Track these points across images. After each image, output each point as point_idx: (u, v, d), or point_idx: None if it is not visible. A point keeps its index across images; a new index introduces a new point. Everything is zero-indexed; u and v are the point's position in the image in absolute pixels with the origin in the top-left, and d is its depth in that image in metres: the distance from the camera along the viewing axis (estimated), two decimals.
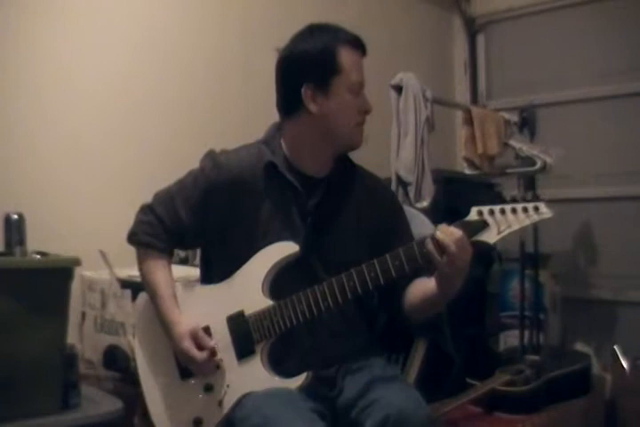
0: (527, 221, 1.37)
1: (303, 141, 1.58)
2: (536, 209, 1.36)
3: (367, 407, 1.43)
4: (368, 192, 1.64)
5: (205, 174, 1.59)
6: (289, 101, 1.56)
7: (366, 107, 1.57)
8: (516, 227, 1.37)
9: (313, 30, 1.56)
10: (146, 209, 1.63)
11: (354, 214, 1.60)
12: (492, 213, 1.38)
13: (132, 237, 1.64)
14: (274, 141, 1.61)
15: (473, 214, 1.40)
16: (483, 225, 1.38)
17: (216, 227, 1.59)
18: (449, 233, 1.37)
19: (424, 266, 1.44)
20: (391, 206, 1.68)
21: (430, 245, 1.38)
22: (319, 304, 1.46)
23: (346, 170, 1.63)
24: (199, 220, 1.59)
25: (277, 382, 1.47)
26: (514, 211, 1.36)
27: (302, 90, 1.51)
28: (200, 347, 1.51)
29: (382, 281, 1.43)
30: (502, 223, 1.37)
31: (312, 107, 1.52)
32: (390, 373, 1.58)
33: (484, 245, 1.38)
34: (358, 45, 1.54)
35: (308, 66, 1.52)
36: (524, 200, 1.39)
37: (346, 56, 1.51)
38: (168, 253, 1.65)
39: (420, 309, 1.56)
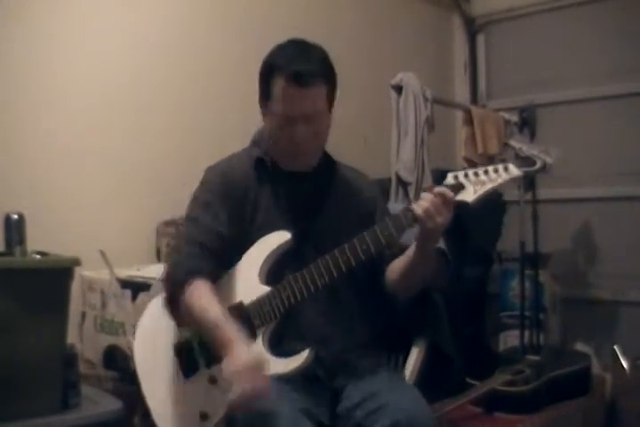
0: (499, 180, 1.49)
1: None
2: (506, 169, 1.50)
3: (375, 412, 1.43)
4: (349, 183, 1.73)
5: (215, 183, 1.65)
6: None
7: (289, 139, 1.57)
8: (489, 185, 1.50)
9: (280, 49, 1.61)
10: (177, 249, 1.63)
11: (339, 204, 1.68)
12: (466, 175, 1.51)
13: (172, 281, 1.55)
14: (263, 142, 1.69)
15: (449, 179, 1.53)
16: (459, 187, 1.51)
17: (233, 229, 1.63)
18: (428, 194, 1.49)
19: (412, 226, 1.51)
20: (370, 193, 1.77)
21: (415, 206, 1.49)
22: (316, 281, 1.50)
23: (327, 165, 1.72)
24: (233, 227, 1.60)
25: (280, 362, 1.47)
26: (486, 172, 1.50)
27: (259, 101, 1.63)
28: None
29: (373, 250, 1.50)
30: (477, 184, 1.50)
31: (263, 118, 1.63)
32: (396, 377, 1.60)
33: (464, 204, 1.50)
34: (295, 80, 1.52)
35: (260, 82, 1.61)
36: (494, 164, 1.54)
37: (278, 86, 1.55)
38: (213, 278, 1.56)
39: (401, 282, 1.62)
